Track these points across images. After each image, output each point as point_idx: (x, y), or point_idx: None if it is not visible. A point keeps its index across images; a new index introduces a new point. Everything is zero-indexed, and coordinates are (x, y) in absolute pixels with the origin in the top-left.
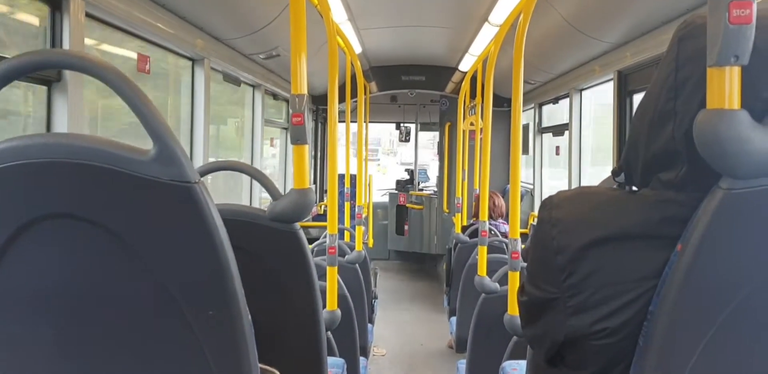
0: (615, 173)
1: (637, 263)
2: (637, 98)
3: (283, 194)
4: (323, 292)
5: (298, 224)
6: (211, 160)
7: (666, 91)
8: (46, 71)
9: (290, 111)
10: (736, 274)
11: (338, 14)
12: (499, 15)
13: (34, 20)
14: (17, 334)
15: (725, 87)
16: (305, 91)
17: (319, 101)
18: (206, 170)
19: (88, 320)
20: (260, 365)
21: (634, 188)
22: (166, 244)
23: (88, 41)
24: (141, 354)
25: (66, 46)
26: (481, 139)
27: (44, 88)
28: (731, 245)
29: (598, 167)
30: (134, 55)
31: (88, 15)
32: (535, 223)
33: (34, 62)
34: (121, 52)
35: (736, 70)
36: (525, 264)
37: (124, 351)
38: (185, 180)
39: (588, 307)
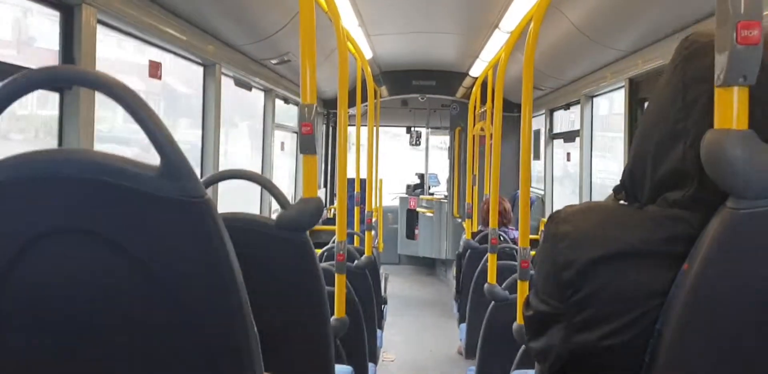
0: (617, 190)
1: (644, 280)
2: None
3: (293, 201)
4: (332, 298)
5: (307, 233)
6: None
7: (675, 112)
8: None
9: (299, 121)
10: (742, 293)
11: (349, 20)
12: (510, 22)
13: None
14: (23, 348)
15: (733, 107)
16: (315, 101)
17: (330, 104)
18: (215, 179)
19: (94, 333)
20: (267, 373)
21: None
22: (172, 258)
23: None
24: (147, 367)
25: (77, 53)
26: (491, 144)
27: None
28: (738, 265)
29: None
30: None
31: (99, 22)
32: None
33: (37, 80)
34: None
35: (744, 91)
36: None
37: (131, 365)
38: (192, 195)
39: (594, 324)
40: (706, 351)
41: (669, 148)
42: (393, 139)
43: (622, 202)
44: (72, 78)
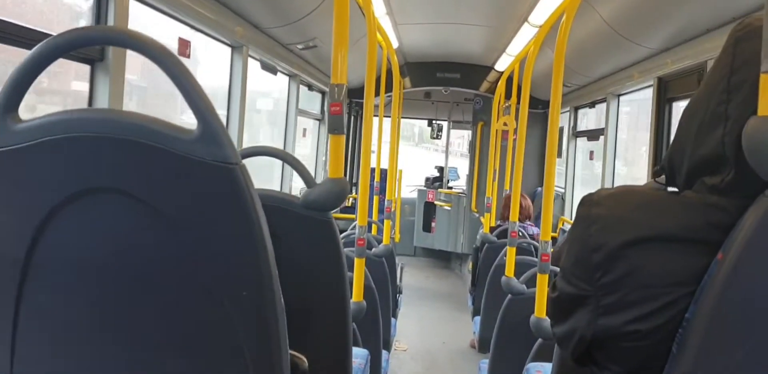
0: (656, 173)
1: (676, 267)
2: (677, 106)
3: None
4: (351, 283)
5: (331, 213)
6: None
7: (718, 94)
8: (89, 50)
9: (328, 101)
10: None
11: (378, 8)
12: (540, 15)
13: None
14: (54, 303)
15: None
16: (345, 81)
17: (353, 94)
18: (244, 155)
19: (124, 293)
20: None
21: (675, 189)
22: (205, 223)
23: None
24: (173, 330)
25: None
26: (514, 140)
27: (87, 67)
28: None
29: None
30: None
31: None
32: (564, 227)
33: (79, 38)
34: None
35: None
36: (554, 267)
37: (157, 327)
38: (227, 161)
39: (620, 308)
40: (739, 344)
41: (709, 130)
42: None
43: (660, 185)
44: (109, 38)
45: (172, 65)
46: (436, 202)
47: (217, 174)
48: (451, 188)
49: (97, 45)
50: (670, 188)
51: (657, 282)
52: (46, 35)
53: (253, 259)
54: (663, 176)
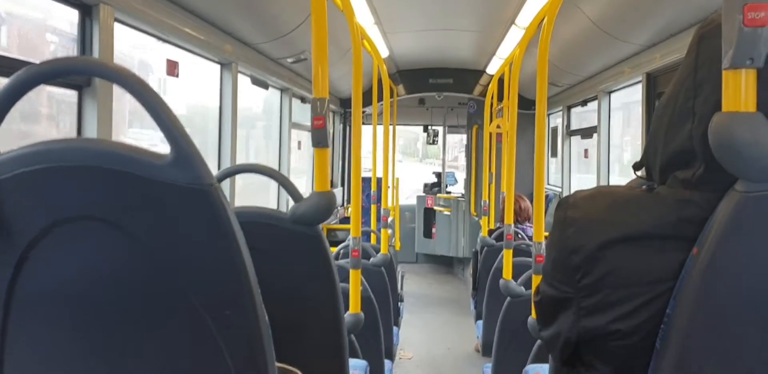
0: (636, 167)
1: (653, 264)
2: None
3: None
4: (347, 295)
5: (320, 227)
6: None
7: (686, 91)
8: (76, 77)
9: (311, 115)
10: (753, 278)
11: (364, 18)
12: (527, 17)
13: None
14: (38, 335)
15: (741, 90)
16: (327, 94)
17: (347, 103)
18: (229, 173)
19: (106, 320)
20: (282, 365)
21: (653, 184)
22: (183, 245)
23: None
24: (159, 354)
25: (96, 51)
26: (507, 142)
27: (75, 92)
28: (748, 249)
29: None
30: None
31: (117, 20)
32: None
33: (57, 69)
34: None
35: (752, 73)
36: None
37: (143, 352)
38: (200, 183)
39: (602, 308)
40: (718, 337)
41: (678, 126)
42: None
43: (641, 180)
44: (84, 69)
45: (145, 93)
46: (435, 207)
47: (192, 197)
48: (449, 192)
49: (73, 75)
50: (648, 184)
51: (636, 280)
52: (25, 63)
53: (233, 279)
54: (642, 170)
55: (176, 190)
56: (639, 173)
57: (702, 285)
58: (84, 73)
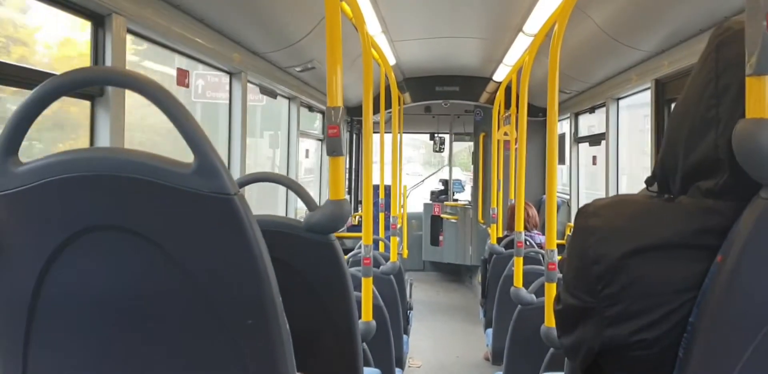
0: (649, 182)
1: (677, 274)
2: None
3: (318, 205)
4: (358, 303)
5: (334, 235)
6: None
7: (707, 99)
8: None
9: (326, 123)
10: None
11: (373, 27)
12: (534, 25)
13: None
14: (62, 340)
15: (765, 96)
16: (341, 103)
17: (354, 112)
18: (244, 182)
19: (131, 328)
20: (298, 373)
21: (669, 195)
22: (206, 254)
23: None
24: (182, 361)
25: (108, 61)
26: (516, 149)
27: (88, 102)
28: None
29: None
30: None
31: (129, 31)
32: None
33: (80, 79)
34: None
35: None
36: (561, 275)
37: (167, 359)
38: (225, 192)
39: (626, 318)
40: (743, 345)
41: (700, 135)
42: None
43: (653, 193)
44: (108, 79)
45: (168, 102)
46: (442, 215)
47: (216, 205)
48: (456, 200)
49: (96, 85)
50: (666, 195)
51: (659, 290)
52: (47, 75)
53: (255, 287)
54: (655, 184)
55: (200, 199)
56: (651, 188)
57: (727, 292)
58: (106, 83)
